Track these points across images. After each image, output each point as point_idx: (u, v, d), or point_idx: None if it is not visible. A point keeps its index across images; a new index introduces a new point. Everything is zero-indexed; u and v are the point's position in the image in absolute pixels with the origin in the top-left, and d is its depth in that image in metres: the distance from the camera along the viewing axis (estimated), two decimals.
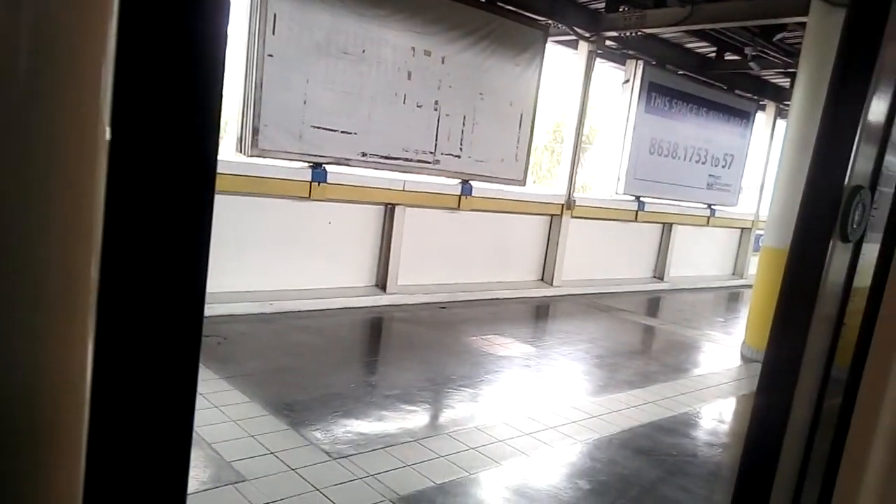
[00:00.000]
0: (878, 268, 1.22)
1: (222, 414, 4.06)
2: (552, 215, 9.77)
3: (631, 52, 10.18)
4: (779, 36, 9.32)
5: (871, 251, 1.25)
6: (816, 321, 1.13)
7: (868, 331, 1.22)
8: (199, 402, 4.17)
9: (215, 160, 0.63)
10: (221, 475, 3.35)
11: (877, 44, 1.07)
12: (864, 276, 1.25)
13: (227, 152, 6.68)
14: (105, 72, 0.54)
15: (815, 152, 1.10)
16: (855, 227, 1.13)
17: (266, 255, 6.95)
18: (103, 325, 0.58)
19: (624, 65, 10.44)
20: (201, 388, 4.38)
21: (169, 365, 0.64)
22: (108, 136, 0.56)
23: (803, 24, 7.09)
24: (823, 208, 1.08)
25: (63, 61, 0.52)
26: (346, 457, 3.67)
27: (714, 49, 10.81)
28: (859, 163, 1.11)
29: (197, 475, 3.34)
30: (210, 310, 6.24)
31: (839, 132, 1.08)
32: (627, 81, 10.39)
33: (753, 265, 11.75)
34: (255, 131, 6.40)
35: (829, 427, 1.28)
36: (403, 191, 7.83)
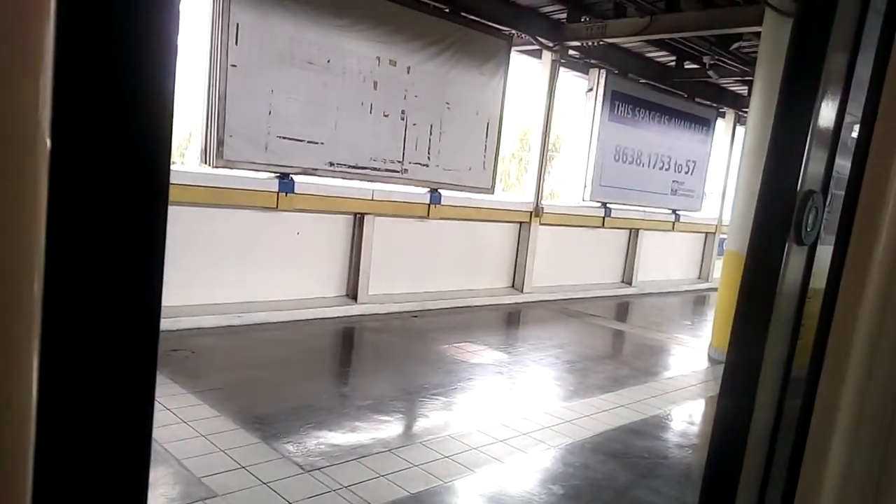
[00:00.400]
0: (833, 269, 1.26)
1: (191, 429, 3.98)
2: (521, 223, 9.85)
3: (593, 62, 10.35)
4: (735, 45, 9.58)
5: (825, 253, 1.29)
6: (775, 323, 1.16)
7: (824, 332, 1.26)
8: (168, 417, 4.09)
9: (167, 169, 0.62)
10: (191, 492, 3.28)
11: (822, 52, 1.11)
12: (820, 278, 1.29)
13: (192, 164, 6.60)
14: (43, 78, 0.52)
15: (767, 158, 1.14)
16: (809, 230, 1.16)
17: (234, 267, 6.86)
18: (48, 342, 0.56)
19: (587, 74, 10.60)
20: (169, 403, 4.30)
21: (122, 382, 0.63)
22: (48, 145, 0.54)
23: (759, 34, 7.30)
24: (778, 213, 1.11)
25: None
26: (318, 469, 3.63)
27: (674, 58, 11.06)
28: (811, 167, 1.15)
29: (166, 492, 3.27)
30: (177, 323, 6.13)
31: (790, 138, 1.11)
32: (591, 90, 10.55)
33: (718, 269, 12.00)
34: (220, 142, 6.33)
35: (790, 428, 1.31)
36: (372, 200, 7.81)
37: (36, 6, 0.51)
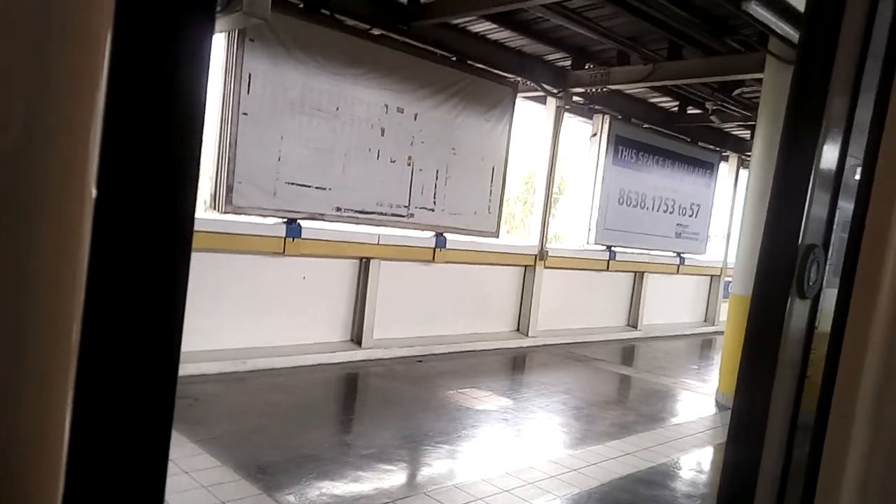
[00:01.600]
0: (837, 316, 1.27)
1: (192, 480, 3.93)
2: (526, 266, 9.86)
3: (597, 107, 10.52)
4: (737, 91, 9.73)
5: (831, 296, 1.30)
6: (781, 372, 1.16)
7: (831, 379, 1.26)
8: (169, 467, 4.03)
9: (192, 219, 0.65)
10: None
11: (822, 99, 1.14)
12: (825, 323, 1.29)
13: (200, 209, 6.67)
14: (94, 133, 0.57)
15: (769, 211, 1.15)
16: (811, 284, 1.17)
17: (239, 312, 6.86)
18: (82, 387, 0.59)
19: (591, 119, 10.76)
20: (171, 452, 4.24)
21: (142, 428, 0.64)
22: (94, 194, 0.58)
23: (760, 80, 7.43)
24: (780, 267, 1.12)
25: (55, 125, 0.54)
26: None
27: (677, 104, 11.23)
28: (812, 220, 1.17)
29: None
30: (181, 370, 6.08)
31: (791, 190, 1.14)
32: (595, 135, 10.69)
33: (724, 312, 11.92)
34: (230, 188, 6.42)
35: (799, 474, 1.30)
36: (378, 244, 7.85)
37: (89, 71, 0.55)
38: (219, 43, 6.40)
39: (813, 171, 1.15)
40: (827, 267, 1.24)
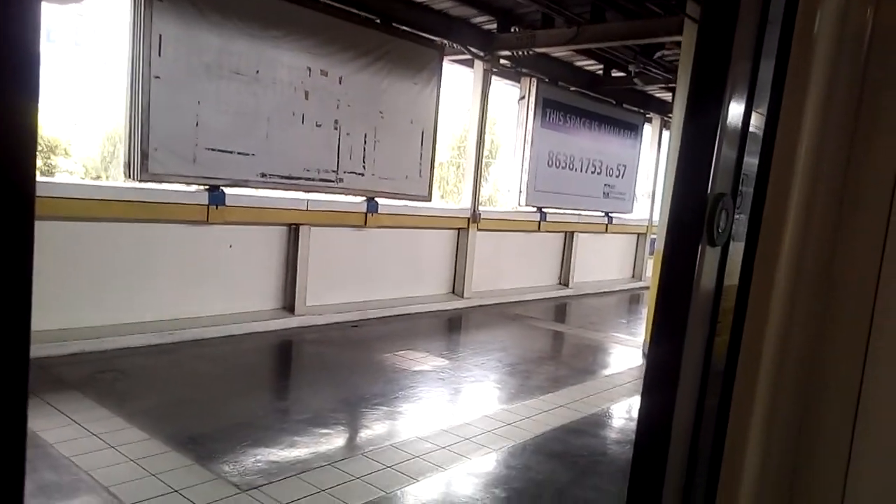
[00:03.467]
0: (744, 267, 1.32)
1: (119, 454, 3.80)
2: (459, 229, 9.91)
3: (525, 71, 10.54)
4: (658, 54, 9.94)
5: (737, 251, 1.35)
6: (692, 322, 1.20)
7: (739, 329, 1.31)
8: (94, 443, 3.90)
9: (33, 183, 0.60)
10: None
11: (727, 57, 1.16)
12: (733, 276, 1.34)
13: (117, 178, 6.35)
14: None
15: (678, 162, 1.18)
16: (720, 231, 1.21)
17: (164, 283, 6.61)
18: None
19: (519, 82, 10.79)
20: (95, 428, 4.10)
21: None
22: None
23: (679, 43, 7.60)
24: (690, 215, 1.15)
25: None
26: (256, 488, 3.53)
27: (601, 66, 11.39)
28: (720, 170, 1.20)
29: None
30: (103, 344, 5.88)
31: (700, 143, 1.16)
32: (523, 98, 10.74)
33: (650, 268, 12.40)
34: (145, 155, 6.11)
35: (711, 421, 1.36)
36: (307, 210, 7.70)
37: None
38: (124, 2, 6.01)
39: (719, 129, 1.18)
40: (735, 217, 1.28)
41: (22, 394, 0.61)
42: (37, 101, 0.58)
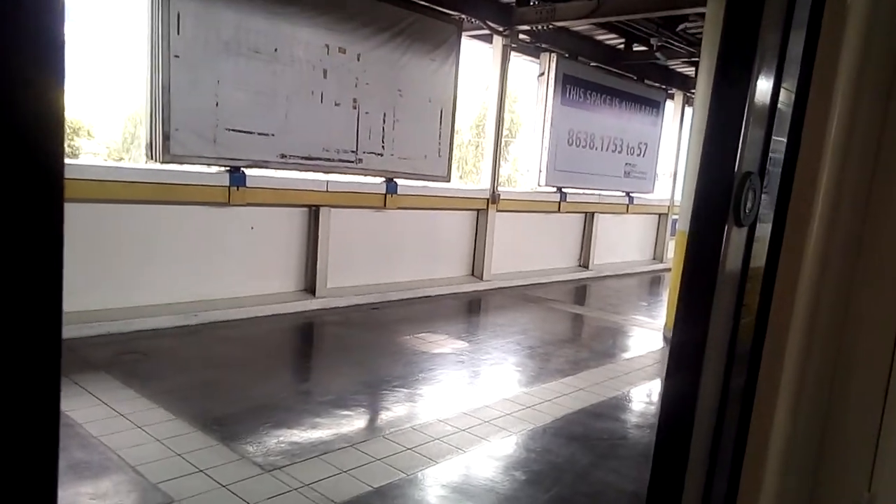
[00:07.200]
0: (771, 248, 1.29)
1: (146, 434, 3.88)
2: (478, 210, 9.86)
3: (544, 46, 10.39)
4: (681, 26, 9.74)
5: (764, 232, 1.32)
6: (717, 303, 1.18)
7: (765, 310, 1.28)
8: (120, 423, 3.98)
9: (61, 165, 0.59)
10: (147, 498, 3.20)
11: (755, 31, 1.12)
12: (760, 258, 1.31)
13: (139, 160, 6.40)
14: None
15: (705, 141, 1.14)
16: (747, 211, 1.18)
17: (187, 265, 6.69)
18: None
19: (539, 58, 10.64)
20: (122, 408, 4.18)
21: (23, 392, 0.59)
22: None
23: (703, 15, 7.42)
24: (717, 195, 1.12)
25: None
26: (279, 468, 3.58)
27: (623, 41, 11.18)
28: (748, 149, 1.16)
29: (121, 501, 3.18)
30: (129, 325, 5.97)
31: (727, 121, 1.12)
32: (543, 74, 10.59)
33: (672, 249, 12.26)
34: (166, 136, 6.14)
35: (736, 403, 1.34)
36: (327, 192, 7.71)
37: None
38: None
39: (747, 108, 1.14)
40: (763, 197, 1.24)
41: (55, 374, 0.61)
42: (63, 88, 0.57)
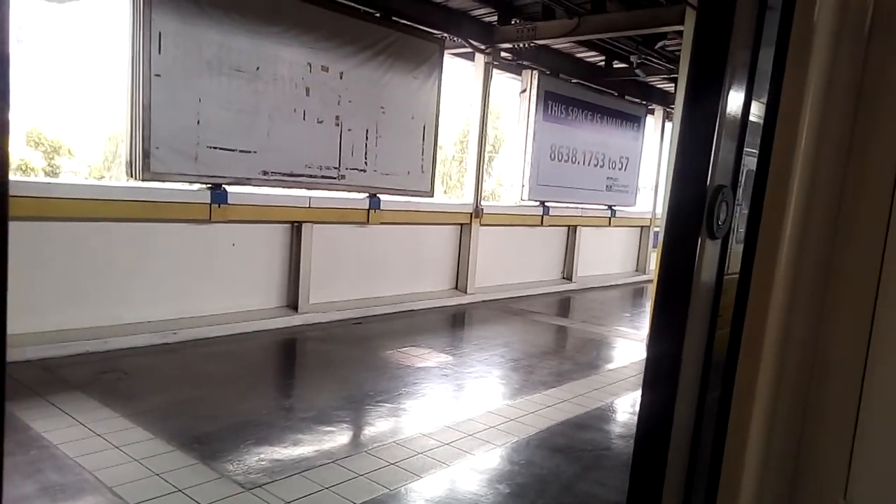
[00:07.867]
0: (745, 260, 1.31)
1: (123, 454, 3.81)
2: (461, 224, 9.89)
3: (526, 63, 10.50)
4: (660, 44, 9.89)
5: (738, 244, 1.34)
6: (692, 315, 1.19)
7: (739, 321, 1.30)
8: (98, 443, 3.91)
9: (5, 177, 0.58)
10: None
11: (726, 45, 1.14)
12: (734, 269, 1.33)
13: (121, 179, 6.35)
14: None
15: (678, 156, 1.16)
16: (720, 224, 1.20)
17: (168, 283, 6.62)
18: None
19: (520, 75, 10.75)
20: (99, 428, 4.11)
21: None
22: None
23: (681, 32, 7.56)
24: (690, 208, 1.14)
25: None
26: (260, 486, 3.54)
27: (603, 58, 11.34)
28: (720, 162, 1.19)
29: None
30: (107, 344, 5.89)
31: (699, 134, 1.15)
32: (524, 91, 10.70)
33: (654, 261, 12.35)
34: (146, 154, 6.10)
35: (713, 414, 1.35)
36: (309, 208, 7.69)
37: None
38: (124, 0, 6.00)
39: (718, 117, 1.16)
40: (735, 210, 1.27)
41: None
42: (7, 101, 0.57)
